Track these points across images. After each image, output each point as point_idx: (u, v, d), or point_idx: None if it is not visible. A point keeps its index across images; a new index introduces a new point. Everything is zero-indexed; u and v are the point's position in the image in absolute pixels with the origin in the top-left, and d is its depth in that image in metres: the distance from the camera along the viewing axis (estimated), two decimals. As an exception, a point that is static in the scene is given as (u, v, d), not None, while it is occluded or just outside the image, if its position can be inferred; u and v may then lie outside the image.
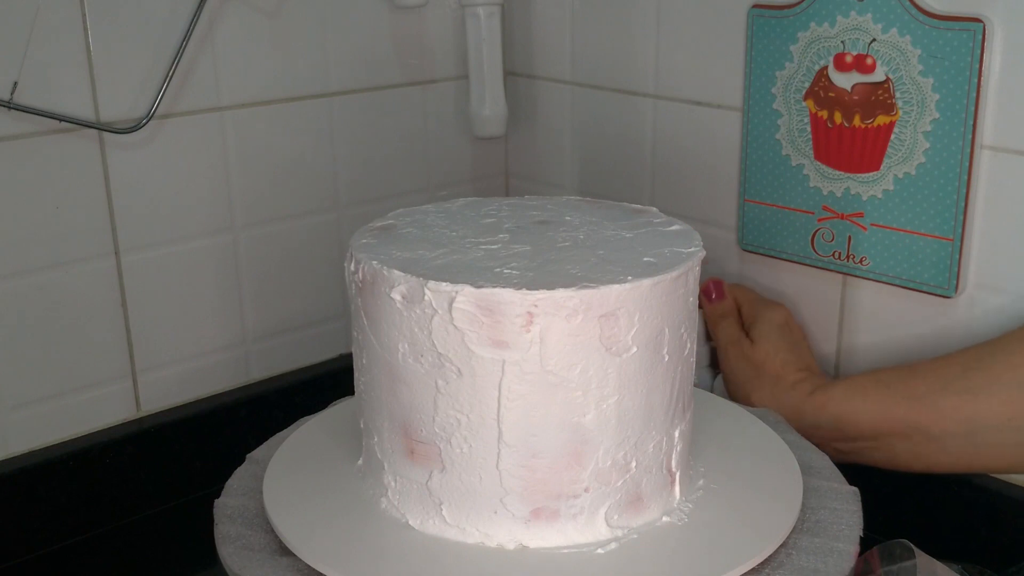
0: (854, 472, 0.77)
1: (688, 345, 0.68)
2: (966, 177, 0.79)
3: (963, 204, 0.80)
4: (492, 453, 0.63)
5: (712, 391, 0.91)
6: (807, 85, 0.87)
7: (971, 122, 0.78)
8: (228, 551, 0.68)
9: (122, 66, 0.86)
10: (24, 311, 0.85)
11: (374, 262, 0.65)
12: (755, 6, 0.89)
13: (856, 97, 0.84)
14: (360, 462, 0.73)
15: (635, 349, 0.63)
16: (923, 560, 0.68)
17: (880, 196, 0.84)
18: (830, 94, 0.85)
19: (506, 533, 0.65)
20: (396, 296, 0.63)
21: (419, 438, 0.65)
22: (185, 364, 0.96)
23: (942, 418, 0.76)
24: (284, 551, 0.67)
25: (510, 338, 0.61)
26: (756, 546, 0.65)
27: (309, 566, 0.64)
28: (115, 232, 0.89)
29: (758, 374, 0.86)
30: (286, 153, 0.98)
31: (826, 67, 0.85)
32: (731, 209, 0.96)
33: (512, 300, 0.60)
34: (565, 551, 0.65)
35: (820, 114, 0.86)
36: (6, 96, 0.80)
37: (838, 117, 0.85)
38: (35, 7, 0.81)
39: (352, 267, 0.67)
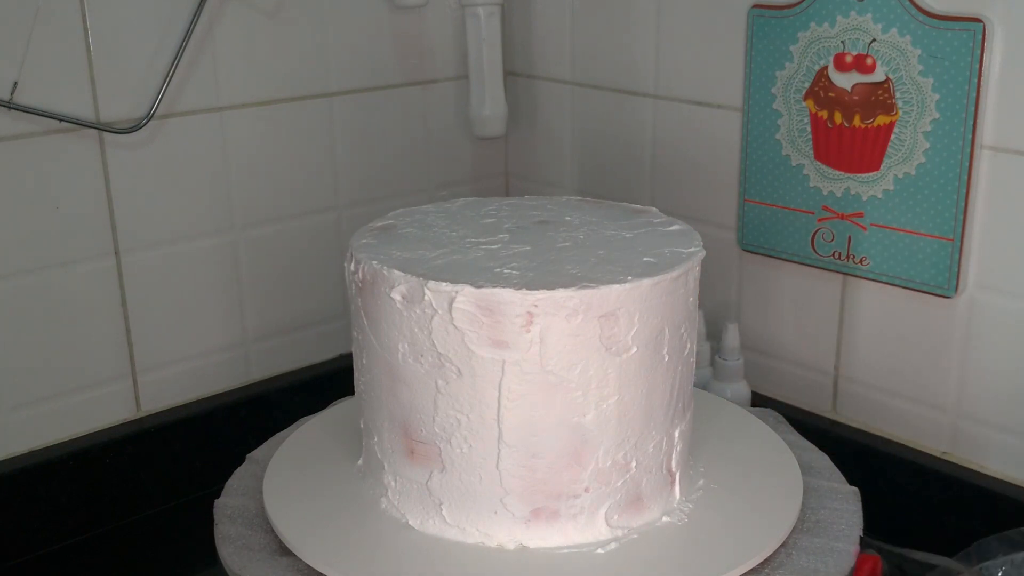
0: (854, 472, 0.77)
1: (688, 345, 0.68)
2: (966, 177, 0.79)
3: (963, 204, 0.79)
4: (492, 453, 0.63)
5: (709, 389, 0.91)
6: (807, 85, 0.87)
7: (971, 122, 0.78)
8: (228, 551, 0.68)
9: (122, 66, 0.86)
10: (24, 311, 0.85)
11: (374, 262, 0.65)
12: (755, 6, 0.89)
13: (856, 97, 0.84)
14: (360, 462, 0.73)
15: (635, 349, 0.63)
16: None
17: (880, 196, 0.84)
18: (830, 94, 0.85)
19: (506, 533, 0.65)
20: (396, 296, 0.63)
21: (419, 438, 0.65)
22: (185, 364, 0.95)
23: None
24: (284, 551, 0.67)
25: (510, 338, 0.61)
26: (756, 546, 0.65)
27: (309, 566, 0.64)
28: (115, 232, 0.89)
29: None
30: (286, 153, 0.98)
31: (826, 67, 0.85)
32: (731, 209, 0.96)
33: (512, 300, 0.60)
34: (565, 551, 0.65)
35: (820, 114, 0.86)
36: (6, 96, 0.80)
37: (838, 117, 0.85)
38: (35, 7, 0.81)
39: (352, 267, 0.67)
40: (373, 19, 1.02)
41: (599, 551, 0.65)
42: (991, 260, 0.80)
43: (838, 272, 0.89)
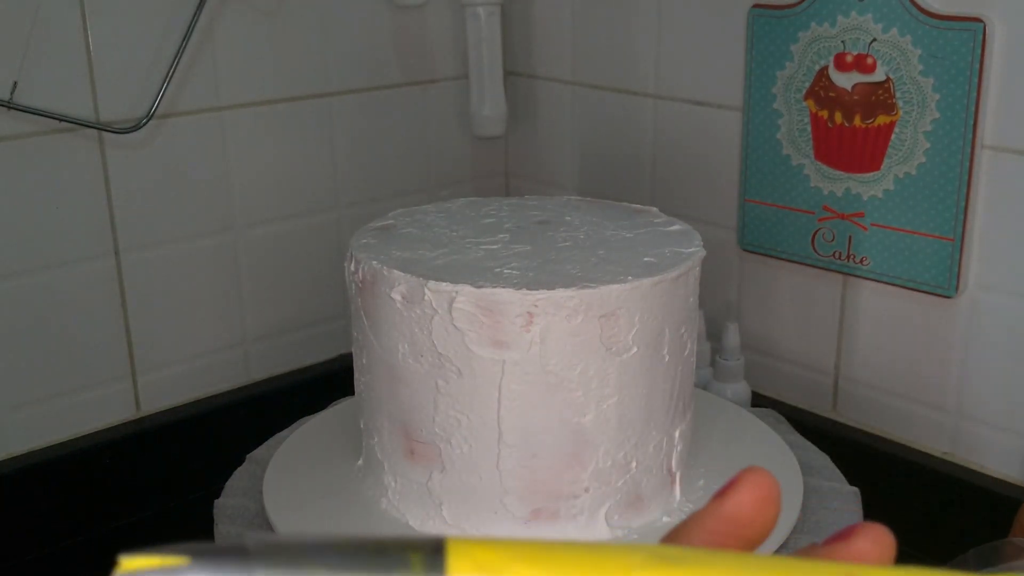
0: (854, 472, 0.77)
1: (688, 345, 0.68)
2: (966, 177, 0.79)
3: (963, 204, 0.79)
4: (492, 453, 0.63)
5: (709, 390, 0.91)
6: (807, 85, 0.87)
7: (971, 122, 0.78)
8: (228, 551, 0.68)
9: (122, 66, 0.86)
10: (24, 311, 0.85)
11: (374, 262, 0.65)
12: (755, 6, 0.89)
13: (857, 97, 0.84)
14: (360, 462, 0.73)
15: (635, 349, 0.63)
16: None
17: (880, 196, 0.84)
18: (831, 94, 0.85)
19: (506, 533, 0.65)
20: (396, 296, 0.63)
21: (419, 438, 0.65)
22: (185, 364, 0.95)
23: None
24: (284, 551, 0.66)
25: (510, 338, 0.61)
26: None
27: (309, 566, 0.64)
28: (115, 232, 0.89)
29: None
30: (286, 153, 0.98)
31: (826, 67, 0.85)
32: (731, 209, 0.96)
33: (512, 300, 0.60)
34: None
35: (820, 114, 0.86)
36: (6, 96, 0.80)
37: (838, 117, 0.85)
38: (35, 7, 0.81)
39: (352, 267, 0.67)
40: (373, 18, 1.02)
41: (599, 551, 0.65)
42: (992, 260, 0.80)
43: (838, 272, 0.89)
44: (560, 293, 0.60)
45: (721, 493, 0.26)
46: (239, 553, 0.20)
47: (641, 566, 0.22)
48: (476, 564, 0.21)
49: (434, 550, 0.21)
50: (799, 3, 0.86)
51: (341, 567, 0.20)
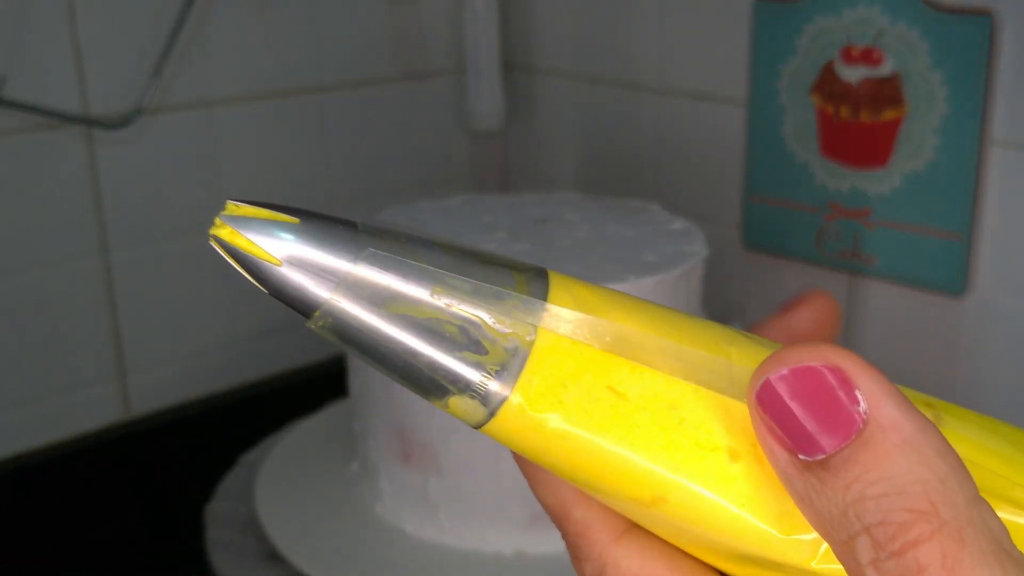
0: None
1: (692, 346, 0.67)
2: (976, 173, 0.77)
3: (973, 201, 0.78)
4: (491, 455, 0.62)
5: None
6: (813, 79, 0.85)
7: (981, 117, 0.76)
8: (219, 557, 0.66)
9: (111, 60, 0.85)
10: (10, 311, 0.83)
11: (368, 260, 0.63)
12: (759, -1, 0.87)
13: (863, 91, 0.82)
14: (355, 466, 0.72)
15: (638, 350, 0.62)
16: None
17: (888, 193, 0.83)
18: (836, 88, 0.84)
19: (505, 538, 0.63)
20: (391, 295, 0.62)
21: (416, 441, 0.64)
22: (176, 365, 0.94)
23: None
24: (276, 557, 0.65)
25: (509, 339, 0.59)
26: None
27: (302, 573, 0.63)
28: (104, 230, 0.87)
29: None
30: (278, 149, 0.97)
31: (832, 60, 0.83)
32: (735, 206, 0.94)
33: (511, 300, 0.59)
34: (564, 556, 0.63)
35: (826, 109, 0.85)
36: (-8, 90, 0.79)
37: (844, 112, 0.84)
38: (22, 0, 0.79)
39: (346, 265, 0.66)
40: (367, 10, 1.00)
41: (600, 558, 0.63)
42: (1002, 258, 0.79)
43: (845, 271, 0.87)
44: (560, 292, 0.59)
45: (786, 309, 0.27)
46: (349, 228, 0.21)
47: (731, 341, 0.22)
48: (575, 299, 0.21)
49: (537, 275, 0.21)
50: (804, -5, 0.84)
51: (448, 266, 0.21)
